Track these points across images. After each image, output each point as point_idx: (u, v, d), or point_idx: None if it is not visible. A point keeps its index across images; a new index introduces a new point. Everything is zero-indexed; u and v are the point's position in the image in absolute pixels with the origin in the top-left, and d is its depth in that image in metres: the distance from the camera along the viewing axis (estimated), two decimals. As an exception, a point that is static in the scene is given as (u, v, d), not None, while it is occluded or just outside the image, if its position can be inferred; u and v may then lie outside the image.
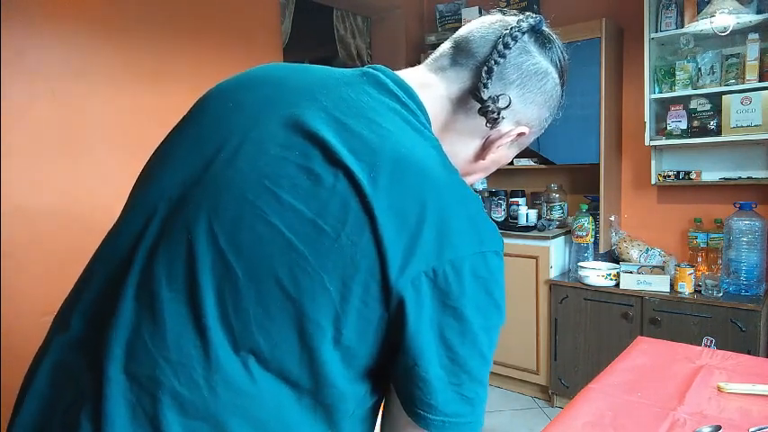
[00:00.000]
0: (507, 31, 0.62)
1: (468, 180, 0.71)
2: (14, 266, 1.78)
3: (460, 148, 0.67)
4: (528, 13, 0.65)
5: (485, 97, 0.61)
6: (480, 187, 3.12)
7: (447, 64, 0.65)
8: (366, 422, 0.61)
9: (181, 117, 0.68)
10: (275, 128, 0.56)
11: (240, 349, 0.51)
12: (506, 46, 0.61)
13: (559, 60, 0.66)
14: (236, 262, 0.51)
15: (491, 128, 0.63)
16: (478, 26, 0.66)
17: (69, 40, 1.91)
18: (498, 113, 0.61)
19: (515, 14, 0.66)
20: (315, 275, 0.50)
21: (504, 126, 0.65)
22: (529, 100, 0.65)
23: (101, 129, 2.00)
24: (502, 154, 0.70)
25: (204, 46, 2.32)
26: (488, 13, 0.70)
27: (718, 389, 1.19)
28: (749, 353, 1.98)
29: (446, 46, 0.68)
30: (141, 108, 2.10)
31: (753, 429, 1.01)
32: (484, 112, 0.61)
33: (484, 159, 0.69)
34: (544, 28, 0.66)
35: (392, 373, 0.55)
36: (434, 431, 0.54)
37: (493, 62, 0.61)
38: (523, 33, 0.62)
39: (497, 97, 0.61)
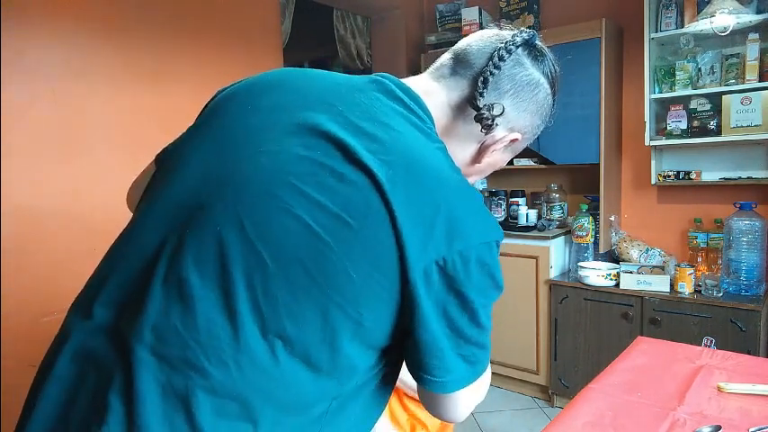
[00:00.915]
0: (502, 45, 0.67)
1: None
2: (14, 266, 1.78)
3: (459, 151, 0.72)
4: (522, 28, 0.71)
5: (480, 105, 0.66)
6: (480, 187, 3.12)
7: (447, 73, 0.71)
8: (367, 389, 0.65)
9: (183, 116, 0.70)
10: (295, 130, 0.61)
11: (268, 333, 0.55)
12: (501, 58, 0.67)
13: (551, 72, 0.72)
14: (266, 251, 0.55)
15: (486, 134, 0.68)
16: (476, 39, 0.72)
17: (69, 40, 1.91)
18: (492, 120, 0.66)
19: (511, 29, 0.72)
20: (340, 264, 0.55)
21: (498, 132, 0.70)
22: (521, 108, 0.70)
23: (101, 129, 2.00)
24: (496, 158, 0.75)
25: (204, 46, 2.32)
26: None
27: (718, 389, 1.19)
28: (749, 353, 1.98)
29: (446, 56, 0.73)
30: (141, 108, 2.10)
31: (753, 429, 1.01)
32: (479, 119, 0.66)
33: (480, 163, 0.74)
34: (537, 42, 0.71)
35: (405, 347, 0.61)
36: (445, 388, 0.61)
37: (488, 73, 0.66)
38: (517, 47, 0.68)
39: (492, 105, 0.67)
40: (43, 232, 1.86)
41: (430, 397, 0.65)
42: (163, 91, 2.16)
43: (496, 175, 3.25)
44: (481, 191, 3.12)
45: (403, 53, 3.29)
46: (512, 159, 3.11)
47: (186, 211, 0.60)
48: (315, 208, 0.56)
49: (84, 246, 1.89)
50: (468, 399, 0.65)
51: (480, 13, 3.02)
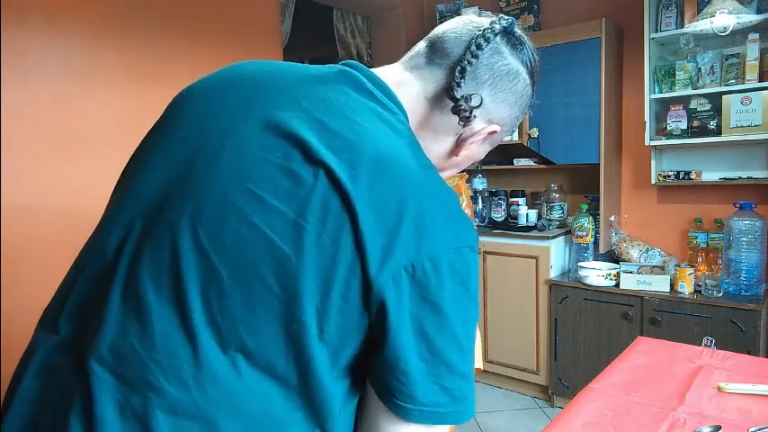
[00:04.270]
0: (480, 33, 0.64)
1: (443, 175, 0.73)
2: (14, 266, 1.78)
3: (435, 144, 0.69)
4: (501, 15, 0.67)
5: (458, 96, 0.62)
6: (480, 187, 3.12)
7: (422, 63, 0.67)
8: (354, 425, 0.61)
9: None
10: (255, 129, 0.57)
11: (228, 348, 0.52)
12: (479, 47, 0.63)
13: (530, 61, 0.68)
14: (220, 263, 0.52)
15: (464, 126, 0.65)
16: (453, 26, 0.68)
17: (69, 40, 1.91)
18: (470, 112, 0.63)
19: (489, 16, 0.68)
20: (298, 274, 0.51)
21: (477, 124, 0.67)
22: (500, 99, 0.67)
23: (101, 129, 2.00)
24: (474, 151, 0.72)
25: (204, 46, 2.32)
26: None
27: (718, 389, 1.19)
28: (749, 353, 1.98)
29: (421, 45, 0.70)
30: (141, 108, 2.10)
31: (753, 429, 1.01)
32: (457, 110, 0.63)
33: (457, 156, 0.71)
34: (516, 30, 0.68)
35: (372, 366, 0.55)
36: (413, 420, 0.54)
37: (466, 62, 0.63)
38: (496, 35, 0.64)
39: (470, 96, 0.63)
40: (43, 232, 1.86)
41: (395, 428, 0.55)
42: (163, 91, 2.16)
43: (496, 175, 3.25)
44: (481, 191, 3.12)
45: (403, 53, 3.27)
46: (512, 159, 3.07)
47: (143, 220, 0.57)
48: (271, 214, 0.52)
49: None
50: None
51: (480, 14, 3.02)
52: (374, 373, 0.55)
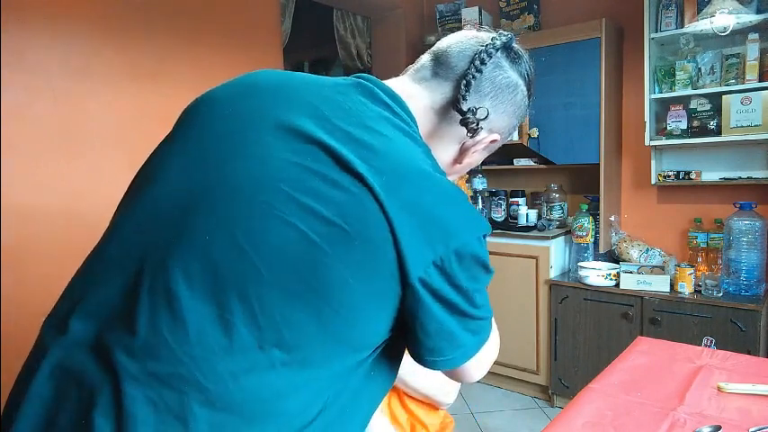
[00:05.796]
0: (483, 48, 0.69)
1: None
2: (15, 267, 1.78)
3: (441, 152, 0.74)
4: (500, 31, 0.73)
5: (464, 109, 0.67)
6: (480, 187, 3.12)
7: (428, 75, 0.72)
8: (365, 380, 0.66)
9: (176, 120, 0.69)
10: (281, 134, 0.60)
11: (265, 344, 0.54)
12: (482, 62, 0.68)
13: (527, 74, 0.74)
14: (260, 261, 0.55)
15: (471, 137, 0.70)
16: (456, 41, 0.73)
17: (69, 40, 1.91)
18: (477, 124, 0.68)
19: (489, 31, 0.74)
20: (336, 271, 0.55)
21: (479, 134, 0.72)
22: (500, 110, 0.72)
23: (101, 129, 2.00)
24: (476, 158, 0.78)
25: (204, 46, 2.32)
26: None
27: (718, 389, 1.19)
28: (749, 353, 1.98)
29: (426, 58, 0.74)
30: (141, 108, 2.10)
31: (753, 429, 1.01)
32: (464, 123, 0.68)
33: (461, 163, 0.77)
34: (515, 44, 0.73)
35: (411, 338, 0.62)
36: (455, 363, 0.65)
37: (471, 76, 0.67)
38: (497, 50, 0.69)
39: (476, 109, 0.68)
40: (43, 232, 1.86)
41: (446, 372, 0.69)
42: (163, 91, 2.16)
43: (496, 175, 3.25)
44: (481, 191, 3.12)
45: (403, 53, 3.29)
46: (512, 159, 3.08)
47: (169, 222, 0.58)
48: (309, 215, 0.55)
49: (84, 245, 1.88)
50: (480, 362, 0.69)
51: (480, 13, 3.02)
52: (421, 344, 0.62)
